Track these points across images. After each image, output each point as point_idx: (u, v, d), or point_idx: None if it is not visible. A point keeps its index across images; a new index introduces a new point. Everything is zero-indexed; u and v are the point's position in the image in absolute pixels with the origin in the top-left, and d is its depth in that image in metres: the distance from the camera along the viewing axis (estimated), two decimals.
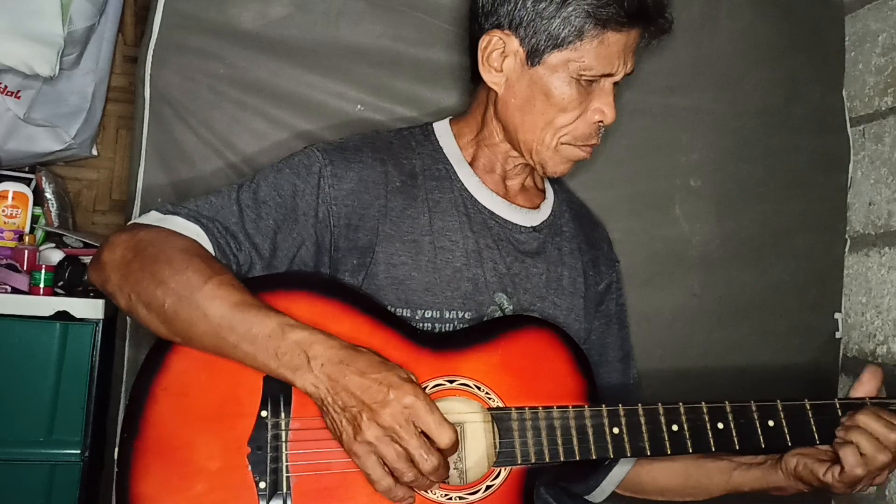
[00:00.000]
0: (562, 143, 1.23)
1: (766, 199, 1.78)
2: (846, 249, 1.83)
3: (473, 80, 1.29)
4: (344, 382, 1.00)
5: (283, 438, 1.05)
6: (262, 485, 1.03)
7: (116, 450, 1.05)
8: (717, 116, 1.77)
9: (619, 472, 1.35)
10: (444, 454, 1.00)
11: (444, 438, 0.99)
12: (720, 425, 1.11)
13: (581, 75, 1.18)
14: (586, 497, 1.40)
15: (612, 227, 1.55)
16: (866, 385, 1.17)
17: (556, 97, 1.19)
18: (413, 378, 1.03)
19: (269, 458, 1.04)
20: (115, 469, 1.04)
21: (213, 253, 1.13)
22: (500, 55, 1.22)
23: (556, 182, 1.42)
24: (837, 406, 1.14)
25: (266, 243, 1.18)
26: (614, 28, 1.16)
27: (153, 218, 1.16)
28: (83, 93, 1.93)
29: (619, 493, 1.38)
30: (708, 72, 1.76)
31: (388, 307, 1.18)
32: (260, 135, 1.56)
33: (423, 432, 1.00)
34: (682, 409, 1.12)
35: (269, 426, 1.05)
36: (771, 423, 1.12)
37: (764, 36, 1.79)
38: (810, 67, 1.83)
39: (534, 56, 1.19)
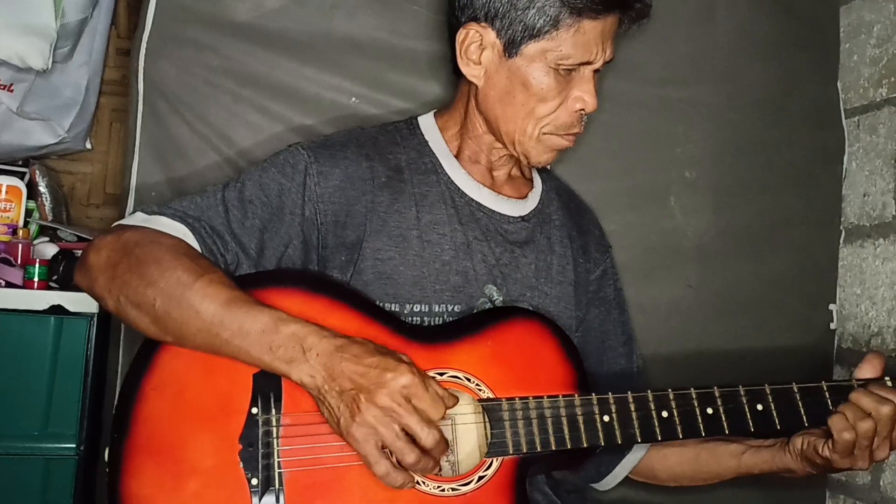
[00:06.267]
0: (544, 133, 1.23)
1: (762, 192, 1.78)
2: (841, 241, 1.83)
3: (455, 73, 1.29)
4: (340, 369, 1.00)
5: (275, 435, 1.05)
6: (255, 481, 1.03)
7: (107, 450, 1.05)
8: (713, 109, 1.76)
9: (632, 459, 1.36)
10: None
11: (435, 413, 1.01)
12: (709, 410, 1.12)
13: (559, 64, 1.18)
14: (595, 485, 1.41)
15: (608, 219, 1.55)
16: (865, 375, 1.17)
17: (535, 87, 1.19)
18: (409, 361, 1.04)
19: (260, 454, 1.04)
20: (107, 469, 1.04)
21: (200, 252, 1.13)
22: (477, 48, 1.22)
23: (544, 170, 1.42)
24: (825, 388, 1.15)
25: (253, 243, 1.18)
26: (590, 16, 1.16)
27: (138, 219, 1.15)
28: (77, 86, 1.92)
29: (631, 478, 1.39)
30: (704, 64, 1.76)
31: (377, 302, 1.18)
32: (255, 127, 1.56)
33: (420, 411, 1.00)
34: (671, 396, 1.13)
35: (260, 423, 1.05)
36: (759, 406, 1.13)
37: (760, 29, 1.79)
38: (807, 61, 1.83)
39: (511, 47, 1.19)
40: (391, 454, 1.01)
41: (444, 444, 1.01)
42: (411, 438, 1.00)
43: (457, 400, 1.06)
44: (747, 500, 1.69)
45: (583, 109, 1.22)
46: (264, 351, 1.03)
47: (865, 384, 1.15)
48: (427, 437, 1.00)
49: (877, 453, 1.13)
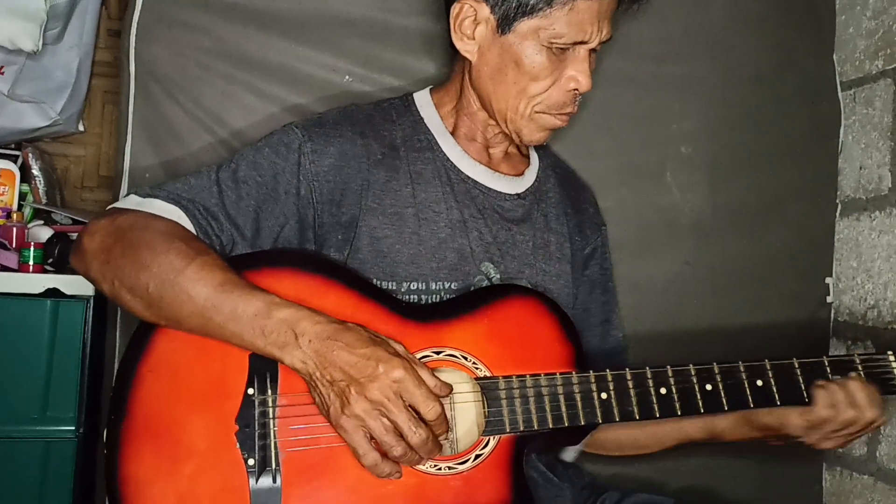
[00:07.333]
0: (536, 112, 1.22)
1: (758, 167, 1.78)
2: (837, 214, 1.83)
3: (452, 48, 1.27)
4: (332, 357, 1.00)
5: (271, 415, 1.05)
6: (251, 462, 1.03)
7: (104, 433, 1.05)
8: (708, 84, 1.76)
9: None
10: (431, 428, 1.01)
11: (430, 412, 1.00)
12: (708, 387, 1.12)
13: (552, 43, 1.16)
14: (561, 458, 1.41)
15: (605, 197, 1.55)
16: None
17: (527, 65, 1.18)
18: (403, 350, 1.04)
19: (257, 435, 1.04)
20: (104, 452, 1.04)
21: (194, 234, 1.13)
22: (471, 23, 1.20)
23: (542, 147, 1.41)
24: (826, 364, 1.15)
25: (248, 223, 1.17)
26: None
27: (132, 202, 1.15)
28: (68, 68, 1.90)
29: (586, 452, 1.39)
30: (700, 40, 1.75)
31: (374, 280, 1.18)
32: (248, 108, 1.55)
33: (412, 406, 1.00)
34: (669, 372, 1.12)
35: (257, 404, 1.06)
36: (759, 382, 1.13)
37: (755, 3, 1.78)
38: (802, 34, 1.82)
39: (504, 24, 1.17)
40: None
41: (433, 442, 1.01)
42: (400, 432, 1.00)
43: (450, 388, 1.05)
44: (744, 474, 1.70)
45: (576, 89, 1.20)
46: (257, 335, 1.03)
47: (867, 360, 1.15)
48: (413, 435, 0.99)
49: (830, 442, 1.16)
